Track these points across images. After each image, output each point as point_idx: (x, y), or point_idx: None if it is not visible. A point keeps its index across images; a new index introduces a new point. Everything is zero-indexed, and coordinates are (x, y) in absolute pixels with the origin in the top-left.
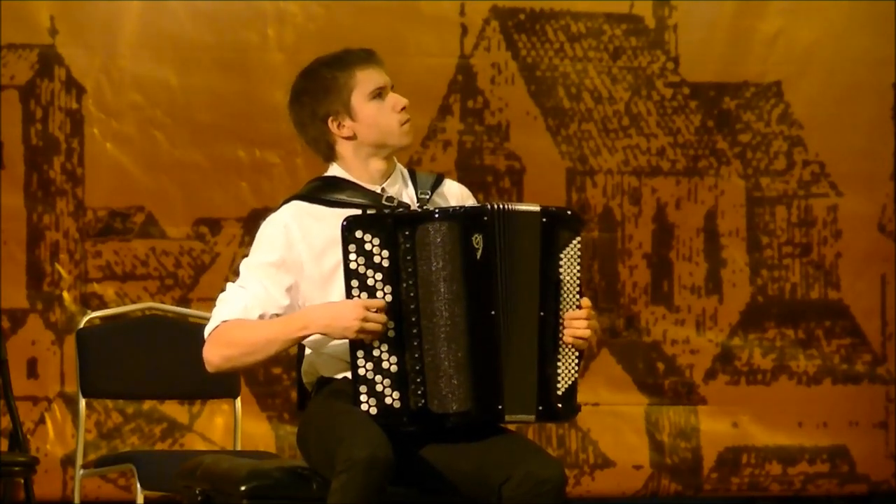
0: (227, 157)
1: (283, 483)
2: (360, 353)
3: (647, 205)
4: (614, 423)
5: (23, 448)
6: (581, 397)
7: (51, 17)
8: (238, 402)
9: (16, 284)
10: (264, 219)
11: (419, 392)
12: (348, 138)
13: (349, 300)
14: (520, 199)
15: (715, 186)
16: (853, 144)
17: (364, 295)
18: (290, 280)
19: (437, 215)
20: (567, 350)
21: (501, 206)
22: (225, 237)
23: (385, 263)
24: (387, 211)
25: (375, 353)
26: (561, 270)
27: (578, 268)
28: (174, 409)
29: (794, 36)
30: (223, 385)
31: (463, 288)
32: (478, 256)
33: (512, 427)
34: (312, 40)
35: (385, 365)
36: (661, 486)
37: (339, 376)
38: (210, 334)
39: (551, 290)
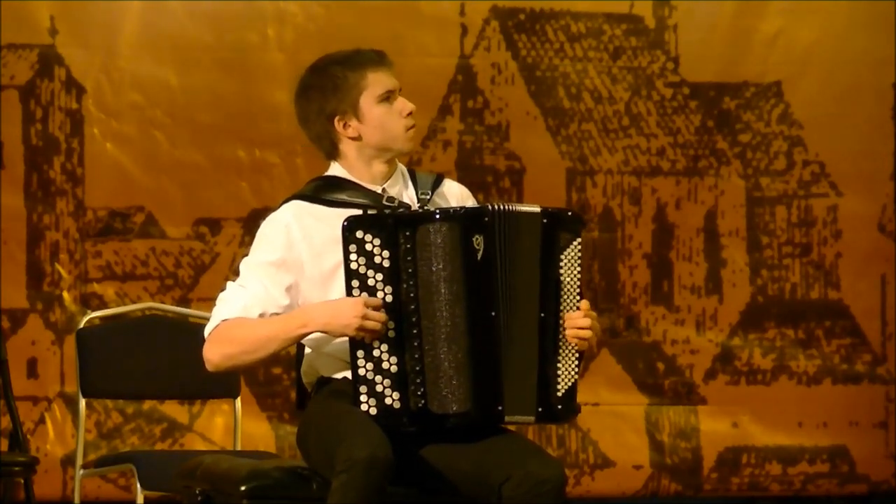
0: (227, 157)
1: (283, 483)
2: (360, 353)
3: (647, 205)
4: (614, 423)
5: (23, 448)
6: (581, 397)
7: (51, 17)
8: (238, 402)
9: (16, 284)
10: (264, 219)
11: (419, 392)
12: (353, 139)
13: (349, 298)
14: (520, 200)
15: (715, 186)
16: (853, 144)
17: (364, 295)
18: (290, 279)
19: (437, 216)
20: (567, 351)
21: (502, 207)
22: (225, 237)
23: (385, 264)
24: (387, 211)
25: (375, 353)
26: (561, 271)
27: (579, 269)
28: (174, 409)
29: (794, 36)
30: (223, 385)
31: (463, 288)
32: (478, 257)
33: (512, 427)
34: (312, 40)
35: (385, 365)
36: (661, 486)
37: (339, 376)
38: (210, 333)
39: (552, 290)
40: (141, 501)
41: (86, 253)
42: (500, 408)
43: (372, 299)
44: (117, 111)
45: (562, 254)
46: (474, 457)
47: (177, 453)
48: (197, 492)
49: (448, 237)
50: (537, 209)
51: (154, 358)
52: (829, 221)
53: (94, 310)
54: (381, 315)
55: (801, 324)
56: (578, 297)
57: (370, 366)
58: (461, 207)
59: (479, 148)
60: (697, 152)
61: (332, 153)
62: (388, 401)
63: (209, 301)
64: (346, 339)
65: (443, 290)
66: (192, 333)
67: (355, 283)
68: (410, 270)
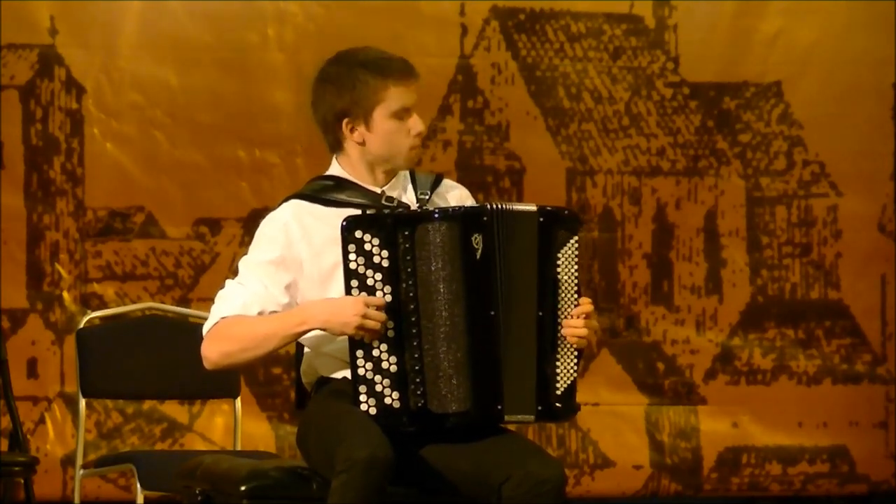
0: (227, 157)
1: (283, 483)
2: (359, 353)
3: (647, 205)
4: (614, 423)
5: (23, 448)
6: (581, 397)
7: (51, 17)
8: (238, 402)
9: (16, 284)
10: (264, 218)
11: (419, 392)
12: (356, 143)
13: (349, 296)
14: (520, 200)
15: (715, 186)
16: (853, 144)
17: (364, 294)
18: (289, 278)
19: (436, 215)
20: (566, 349)
21: (500, 206)
22: (225, 237)
23: (385, 263)
24: (386, 211)
25: (375, 352)
26: (559, 270)
27: (576, 267)
28: (174, 409)
29: (794, 36)
30: (223, 385)
31: (462, 288)
32: (477, 256)
33: (512, 427)
34: (312, 40)
35: (384, 365)
36: (661, 486)
37: (339, 376)
38: (208, 331)
39: (549, 289)
40: (141, 501)
41: (86, 253)
42: (499, 407)
43: (373, 298)
44: (117, 111)
45: (559, 252)
46: (474, 457)
47: (177, 453)
48: (197, 492)
49: (447, 236)
50: (533, 208)
51: (154, 358)
52: (829, 221)
53: (94, 310)
54: (381, 315)
55: (801, 324)
56: (576, 296)
57: (370, 365)
58: (460, 207)
59: (479, 148)
60: (697, 152)
61: (336, 147)
62: (387, 400)
63: (209, 301)
64: (346, 339)
65: (442, 290)
66: (192, 333)
67: (354, 282)
68: (409, 270)
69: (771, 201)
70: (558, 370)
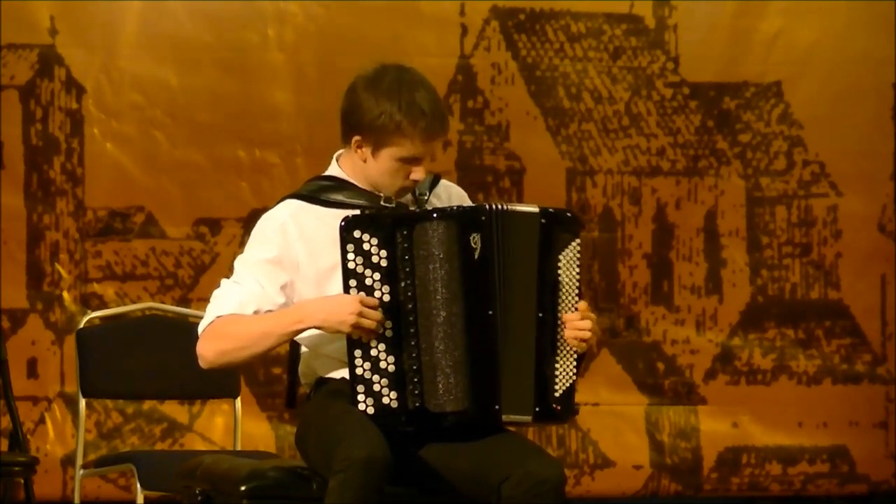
0: (227, 157)
1: (283, 483)
2: (357, 353)
3: (647, 205)
4: (614, 423)
5: (23, 448)
6: (581, 397)
7: (51, 17)
8: (238, 402)
9: (16, 284)
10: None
11: (416, 392)
12: (359, 157)
13: (346, 295)
14: (520, 200)
15: (715, 186)
16: (853, 144)
17: (361, 294)
18: (285, 277)
19: (434, 215)
20: (565, 351)
21: (499, 207)
22: (225, 237)
23: (383, 263)
24: (385, 211)
25: (373, 352)
26: (560, 272)
27: (577, 269)
28: (174, 409)
29: (794, 36)
30: (223, 385)
31: (461, 288)
32: (476, 256)
33: (511, 427)
34: (312, 40)
35: (383, 365)
36: (661, 486)
37: (337, 376)
38: (204, 330)
39: (549, 291)
40: (141, 501)
41: (86, 253)
42: (497, 407)
43: (369, 298)
44: (117, 111)
45: (560, 254)
46: (473, 456)
47: (177, 453)
48: (197, 492)
49: (445, 236)
50: (535, 209)
51: (154, 358)
52: (829, 221)
53: (94, 310)
54: (378, 313)
55: (801, 324)
56: (577, 298)
57: (368, 365)
58: (458, 206)
59: (479, 148)
60: (697, 152)
61: (345, 140)
62: (385, 400)
63: (209, 301)
64: (344, 339)
65: (440, 290)
66: (192, 333)
67: (353, 282)
68: (408, 270)
69: (771, 201)
70: (557, 372)
